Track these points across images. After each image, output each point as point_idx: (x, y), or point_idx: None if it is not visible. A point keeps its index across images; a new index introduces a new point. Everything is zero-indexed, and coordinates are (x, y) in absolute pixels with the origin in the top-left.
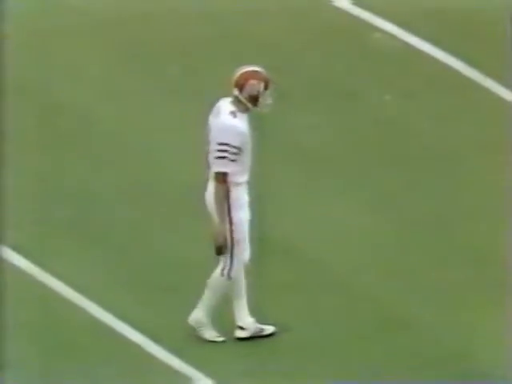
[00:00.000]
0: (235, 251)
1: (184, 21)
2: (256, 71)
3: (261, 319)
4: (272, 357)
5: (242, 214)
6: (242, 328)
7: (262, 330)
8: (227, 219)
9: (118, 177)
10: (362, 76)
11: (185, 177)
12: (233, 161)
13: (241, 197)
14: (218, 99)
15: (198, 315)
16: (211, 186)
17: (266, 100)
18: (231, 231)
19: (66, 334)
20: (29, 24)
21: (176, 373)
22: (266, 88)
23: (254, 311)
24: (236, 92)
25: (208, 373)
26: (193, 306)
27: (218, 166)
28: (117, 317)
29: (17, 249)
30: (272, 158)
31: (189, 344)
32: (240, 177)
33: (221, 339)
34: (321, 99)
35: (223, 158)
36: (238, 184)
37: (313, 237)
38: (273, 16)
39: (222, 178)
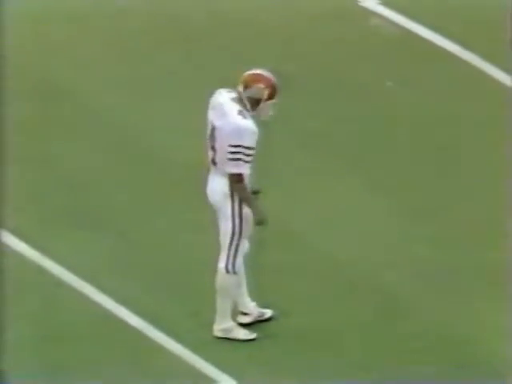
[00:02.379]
0: (240, 245)
1: (185, 10)
2: (266, 77)
3: (260, 304)
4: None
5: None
6: (245, 314)
7: (263, 314)
8: (238, 214)
9: (117, 162)
10: (363, 62)
11: (184, 161)
12: (246, 162)
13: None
14: (220, 86)
15: (222, 325)
16: (214, 182)
17: (268, 109)
18: (240, 225)
19: (66, 318)
20: (30, 11)
21: (176, 357)
22: (271, 98)
23: (254, 296)
24: (240, 89)
25: (207, 355)
26: (193, 290)
27: (232, 168)
28: (117, 301)
29: (16, 233)
30: (273, 143)
31: (189, 328)
32: (246, 170)
33: (253, 336)
34: (322, 85)
35: (237, 159)
36: (246, 176)
37: (313, 222)
38: (272, 3)
39: (237, 178)
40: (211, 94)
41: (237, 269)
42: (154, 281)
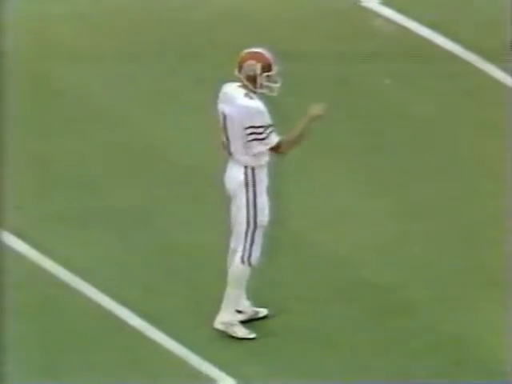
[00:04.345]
0: (256, 237)
1: (185, 8)
2: (256, 52)
3: (260, 302)
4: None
5: (265, 198)
6: (239, 311)
7: (257, 312)
8: (252, 204)
9: (118, 160)
10: (362, 60)
11: (185, 159)
12: (261, 140)
13: (264, 180)
14: (219, 83)
15: (226, 317)
16: (231, 171)
17: (270, 83)
18: (255, 216)
19: (66, 318)
20: (29, 10)
21: (175, 356)
22: (266, 70)
23: (255, 294)
24: (236, 72)
25: (206, 354)
26: (194, 289)
27: (256, 148)
28: (117, 301)
29: (17, 233)
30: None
31: (188, 328)
32: (264, 158)
33: (253, 336)
34: (321, 84)
35: (253, 140)
36: (262, 166)
37: (313, 220)
38: (272, 2)
39: (275, 151)
40: (210, 91)
41: (253, 261)
42: (154, 281)
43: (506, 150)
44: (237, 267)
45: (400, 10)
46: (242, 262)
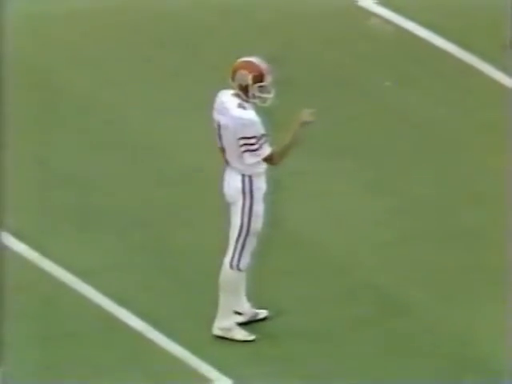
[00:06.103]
0: (247, 243)
1: (184, 7)
2: (248, 61)
3: (259, 304)
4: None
5: (261, 206)
6: (239, 313)
7: (257, 314)
8: (247, 211)
9: (117, 161)
10: (362, 62)
11: (184, 160)
12: (253, 151)
13: (262, 187)
14: (213, 88)
15: (223, 323)
16: (229, 178)
17: (263, 94)
18: (249, 223)
19: (66, 319)
20: (30, 8)
21: (175, 357)
22: (258, 81)
23: (253, 295)
24: (230, 80)
25: (205, 356)
26: (194, 291)
27: (249, 159)
28: (117, 302)
29: (16, 234)
30: (272, 144)
31: (188, 329)
32: (261, 166)
33: (252, 337)
34: (321, 86)
35: (245, 151)
36: (260, 174)
37: (312, 221)
38: (271, 2)
39: (269, 162)
40: (211, 92)
41: (242, 266)
42: (154, 281)
43: (506, 150)
44: (226, 272)
45: (397, 10)
46: (231, 267)
